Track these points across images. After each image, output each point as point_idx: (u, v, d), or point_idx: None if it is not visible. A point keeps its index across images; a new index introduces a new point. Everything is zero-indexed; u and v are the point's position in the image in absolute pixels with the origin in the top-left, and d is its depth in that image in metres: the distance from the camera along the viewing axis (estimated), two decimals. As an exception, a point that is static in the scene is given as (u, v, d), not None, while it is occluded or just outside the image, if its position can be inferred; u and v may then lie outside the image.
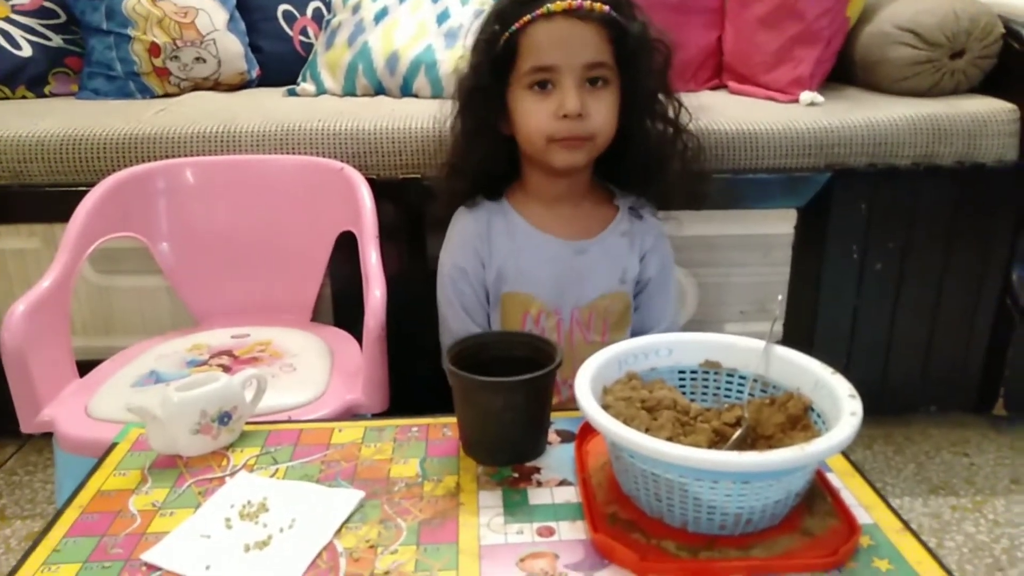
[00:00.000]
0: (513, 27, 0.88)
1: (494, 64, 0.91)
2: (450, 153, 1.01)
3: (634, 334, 1.03)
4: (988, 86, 1.42)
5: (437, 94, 1.51)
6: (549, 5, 0.86)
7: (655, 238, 1.02)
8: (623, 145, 0.95)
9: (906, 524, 0.62)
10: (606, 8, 0.87)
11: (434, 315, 1.00)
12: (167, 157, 1.26)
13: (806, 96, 1.40)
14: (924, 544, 0.60)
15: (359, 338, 1.02)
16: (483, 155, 0.96)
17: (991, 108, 1.33)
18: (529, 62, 0.88)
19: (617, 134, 0.93)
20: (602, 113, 0.90)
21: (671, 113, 0.96)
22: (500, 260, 0.98)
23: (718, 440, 0.67)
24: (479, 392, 0.69)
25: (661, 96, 0.95)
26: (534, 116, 0.90)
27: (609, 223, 1.00)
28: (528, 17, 0.87)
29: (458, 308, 1.00)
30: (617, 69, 0.90)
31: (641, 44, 0.90)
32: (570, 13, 0.86)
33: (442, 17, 1.56)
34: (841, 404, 0.60)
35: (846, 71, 1.53)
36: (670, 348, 0.73)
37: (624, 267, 1.00)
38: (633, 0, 0.91)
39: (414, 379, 1.08)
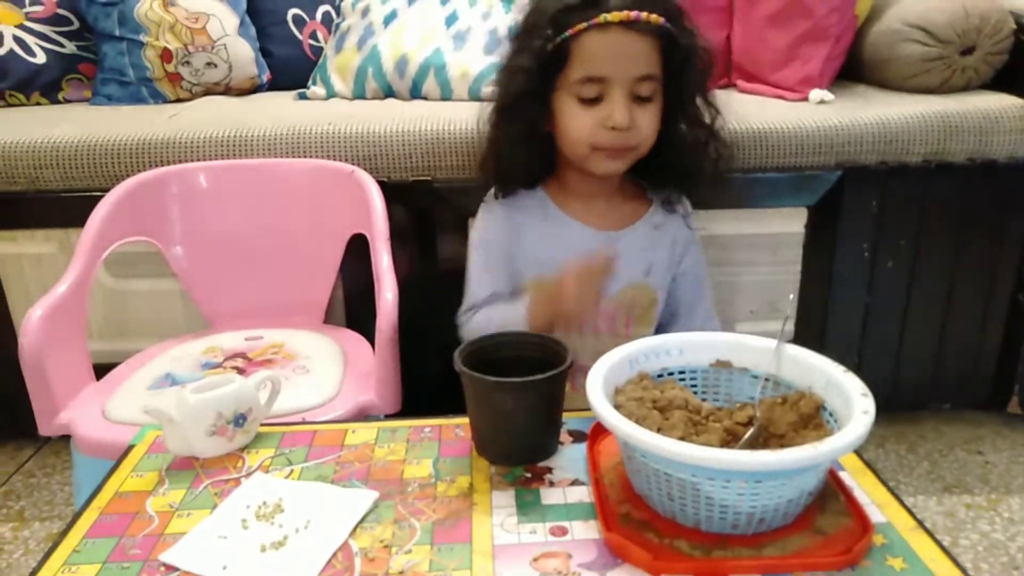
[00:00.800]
0: (566, 34, 0.87)
1: (543, 69, 0.90)
2: (490, 150, 0.99)
3: (664, 321, 1.04)
4: (999, 82, 1.41)
5: (446, 96, 1.52)
6: (606, 15, 0.84)
7: (689, 231, 1.03)
8: (658, 147, 0.94)
9: (920, 522, 0.62)
10: (661, 20, 0.86)
11: (446, 316, 1.01)
12: (180, 162, 1.27)
13: (815, 94, 1.40)
14: (938, 542, 0.59)
15: (371, 340, 1.03)
16: (527, 157, 0.96)
17: (1002, 104, 1.33)
18: (580, 71, 0.87)
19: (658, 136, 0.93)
20: (647, 124, 0.90)
21: (707, 118, 0.96)
22: (532, 244, 0.98)
23: (730, 440, 0.67)
24: (491, 393, 0.69)
25: (699, 101, 0.95)
26: (579, 124, 0.89)
27: (642, 215, 1.01)
28: (584, 25, 0.86)
29: (482, 270, 1.00)
30: (663, 79, 0.90)
31: (689, 55, 0.90)
32: (626, 25, 0.85)
33: (451, 20, 1.57)
34: (853, 402, 0.60)
35: (856, 69, 1.53)
36: (681, 348, 0.73)
37: (651, 260, 1.00)
38: (684, 8, 0.90)
39: (426, 380, 1.09)
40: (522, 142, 0.95)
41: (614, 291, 0.99)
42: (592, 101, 0.88)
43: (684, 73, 0.90)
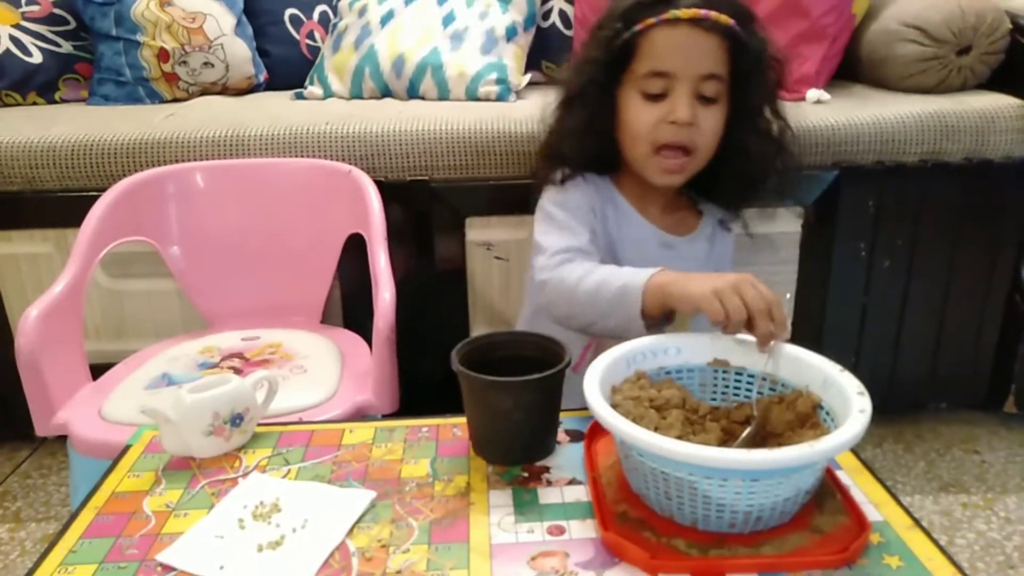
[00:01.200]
0: (636, 28, 0.87)
1: (611, 62, 0.90)
2: (553, 139, 0.98)
3: None
4: (995, 82, 1.41)
5: (443, 96, 1.52)
6: (675, 11, 0.85)
7: (730, 251, 1.04)
8: (720, 155, 0.93)
9: (916, 521, 0.62)
10: (731, 21, 0.86)
11: (442, 315, 1.01)
12: (177, 161, 1.27)
13: (812, 94, 1.40)
14: (934, 541, 0.60)
15: (368, 339, 1.03)
16: (590, 149, 0.95)
17: (999, 104, 1.33)
18: (646, 65, 0.88)
19: (718, 145, 0.92)
20: (709, 126, 0.89)
21: (775, 131, 0.94)
22: (603, 228, 0.96)
23: (727, 439, 0.67)
24: (488, 392, 0.69)
25: (767, 113, 0.94)
26: (642, 119, 0.89)
27: (696, 227, 1.00)
28: (653, 20, 0.86)
29: (561, 226, 0.92)
30: (729, 83, 0.89)
31: (758, 60, 0.89)
32: (695, 22, 0.85)
33: (448, 19, 1.57)
34: (850, 401, 0.61)
35: (852, 68, 1.53)
36: (678, 347, 0.73)
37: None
38: (756, 15, 0.90)
39: (423, 380, 1.09)
40: (585, 134, 0.94)
41: None
42: (656, 97, 0.88)
43: (751, 79, 0.89)
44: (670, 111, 0.87)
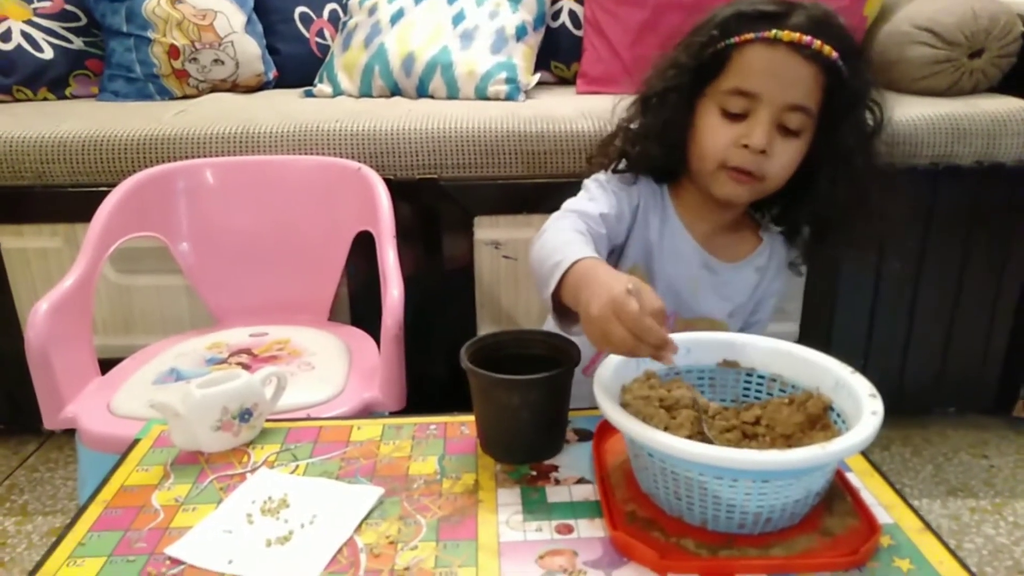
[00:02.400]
0: (732, 40, 0.82)
1: (698, 70, 0.85)
2: (619, 136, 0.94)
3: None
4: (1007, 85, 1.41)
5: (453, 95, 1.52)
6: (778, 31, 0.79)
7: (781, 287, 0.98)
8: (799, 192, 0.88)
9: (927, 524, 0.61)
10: (834, 54, 0.80)
11: (450, 313, 1.00)
12: (186, 158, 1.28)
13: (823, 96, 1.39)
14: (945, 544, 0.59)
15: (376, 337, 1.03)
16: (655, 154, 0.91)
17: (1010, 107, 1.32)
18: (733, 81, 0.82)
19: (798, 180, 0.86)
20: (784, 160, 0.83)
21: (864, 179, 0.86)
22: (644, 233, 0.92)
23: (737, 439, 0.67)
24: (497, 390, 0.69)
25: (858, 160, 0.86)
26: (716, 136, 0.84)
27: (749, 254, 0.95)
28: (751, 36, 0.81)
29: (590, 198, 0.89)
30: (818, 118, 0.83)
31: (855, 102, 0.84)
32: (795, 47, 0.79)
33: (458, 19, 1.57)
34: (862, 403, 0.60)
35: (863, 70, 1.52)
36: (688, 347, 0.72)
37: (741, 302, 0.95)
38: (866, 55, 0.85)
39: (430, 377, 1.09)
40: (656, 139, 0.90)
41: (690, 317, 0.94)
42: (735, 117, 0.83)
43: (845, 120, 0.83)
44: (745, 134, 0.82)
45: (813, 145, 0.85)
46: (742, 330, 0.97)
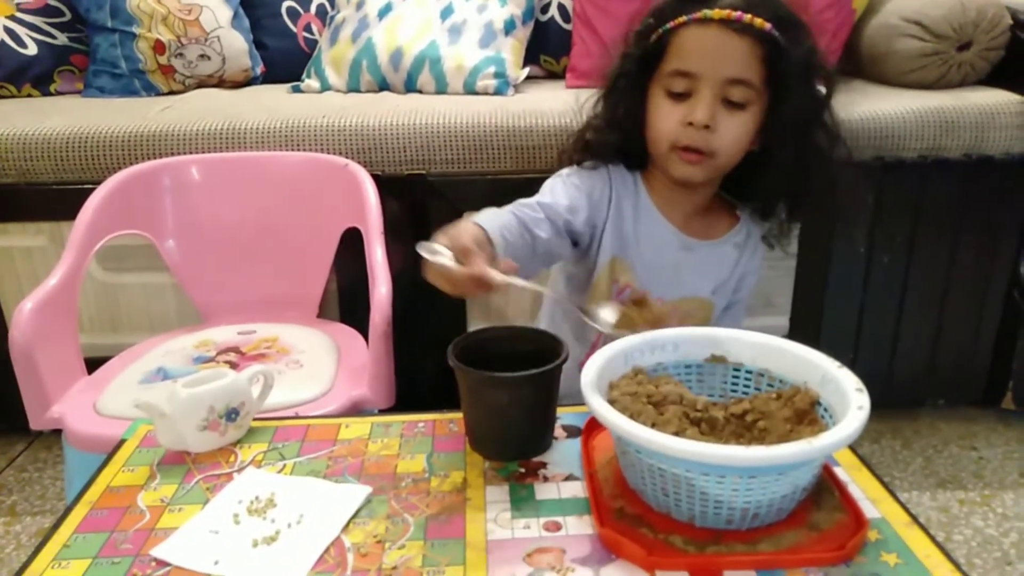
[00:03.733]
0: (667, 25, 0.86)
1: (642, 58, 0.89)
2: (585, 131, 0.97)
3: None
4: (995, 78, 1.41)
5: (441, 90, 1.51)
6: (707, 11, 0.83)
7: (759, 262, 1.01)
8: (761, 165, 0.90)
9: (914, 518, 0.62)
10: (767, 25, 0.82)
11: (439, 310, 1.00)
12: (172, 154, 1.27)
13: (812, 89, 1.39)
14: (932, 537, 0.59)
15: (365, 334, 1.02)
16: (617, 145, 0.93)
17: (999, 100, 1.33)
18: (673, 63, 0.86)
19: (757, 155, 0.90)
20: (731, 133, 0.86)
21: (822, 145, 0.90)
22: (620, 223, 0.94)
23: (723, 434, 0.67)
24: (485, 388, 0.69)
25: (813, 126, 0.89)
26: (663, 119, 0.88)
27: (727, 231, 0.97)
28: (684, 18, 0.84)
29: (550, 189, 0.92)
30: (766, 91, 0.86)
31: (800, 70, 0.85)
32: (726, 23, 0.82)
33: (446, 13, 1.56)
34: (848, 398, 0.60)
35: (852, 64, 1.53)
36: (676, 343, 0.72)
37: (723, 279, 0.98)
38: (805, 22, 0.86)
39: (420, 375, 1.09)
40: (612, 128, 0.93)
41: (675, 298, 0.97)
42: (680, 96, 0.86)
43: (792, 88, 0.85)
44: (689, 113, 0.85)
45: (768, 117, 0.87)
46: (726, 308, 1.00)
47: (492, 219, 0.79)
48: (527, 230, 0.84)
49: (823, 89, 0.89)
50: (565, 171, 0.96)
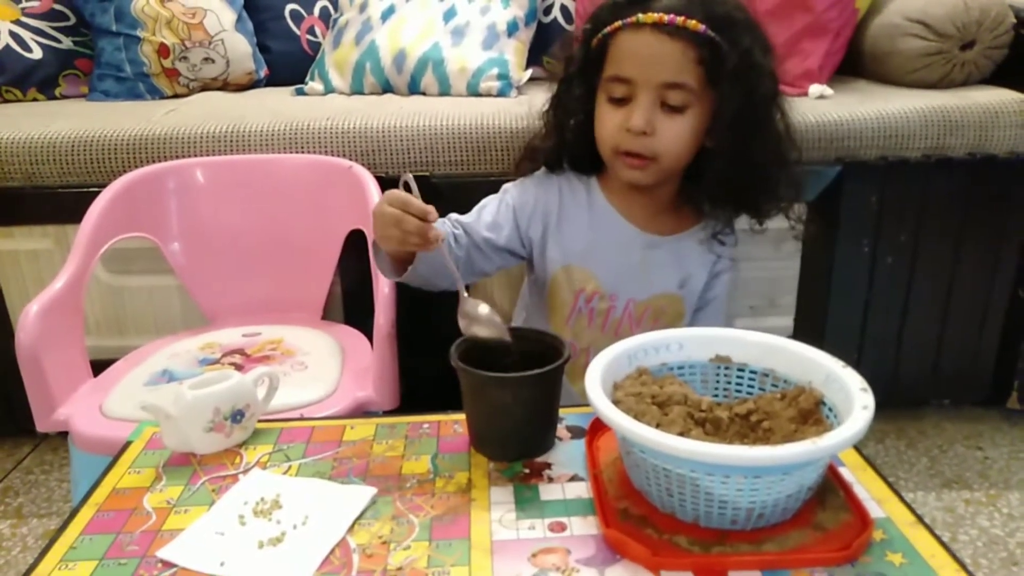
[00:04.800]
0: (604, 31, 0.86)
1: (584, 63, 0.89)
2: (536, 137, 0.99)
3: None
4: (999, 77, 1.41)
5: (444, 92, 1.51)
6: (640, 15, 0.83)
7: (730, 261, 1.01)
8: (711, 166, 0.90)
9: (919, 518, 0.61)
10: (701, 27, 0.82)
11: (443, 311, 0.99)
12: (177, 157, 1.27)
13: (815, 89, 1.40)
14: (938, 537, 0.59)
15: (369, 336, 1.03)
16: (568, 149, 0.95)
17: (1002, 99, 1.32)
18: (611, 69, 0.86)
19: (707, 154, 0.89)
20: (670, 136, 0.86)
21: (769, 141, 0.89)
22: (571, 230, 0.95)
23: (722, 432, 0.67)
24: (487, 388, 0.69)
25: (757, 124, 0.88)
26: (605, 125, 0.88)
27: (690, 226, 0.98)
28: (618, 24, 0.85)
29: (484, 208, 0.97)
30: (709, 90, 0.85)
31: (740, 69, 0.84)
32: (659, 27, 0.82)
33: (449, 15, 1.56)
34: (853, 398, 0.60)
35: (855, 63, 1.52)
36: (680, 343, 0.72)
37: (689, 273, 0.97)
38: (744, 21, 0.85)
39: (424, 376, 1.09)
40: (556, 133, 0.94)
41: (645, 296, 0.97)
42: (620, 102, 0.87)
43: (731, 88, 0.84)
44: (627, 118, 0.86)
45: (713, 119, 0.87)
46: (699, 308, 1.01)
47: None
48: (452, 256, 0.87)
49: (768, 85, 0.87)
50: (508, 185, 0.98)
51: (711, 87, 0.85)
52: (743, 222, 0.99)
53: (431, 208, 0.74)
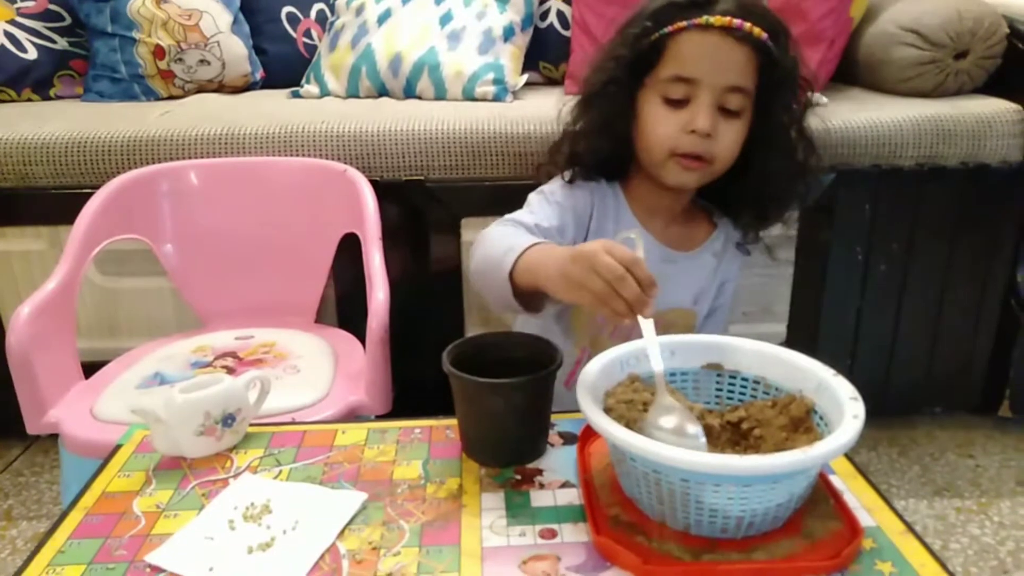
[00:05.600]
0: (665, 29, 0.85)
1: (635, 61, 0.87)
2: (566, 138, 0.96)
3: None
4: (992, 87, 1.41)
5: (440, 96, 1.51)
6: (709, 17, 0.82)
7: (738, 268, 1.01)
8: (739, 173, 0.91)
9: (909, 526, 0.62)
10: (764, 35, 0.83)
11: (437, 316, 1.00)
12: (171, 159, 1.27)
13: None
14: (927, 546, 0.59)
15: (362, 340, 1.02)
16: (603, 151, 0.92)
17: (995, 109, 1.33)
18: (671, 69, 0.85)
19: (736, 162, 0.90)
20: (728, 141, 0.86)
21: (800, 153, 0.91)
22: (600, 236, 0.93)
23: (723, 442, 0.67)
24: (479, 393, 0.69)
25: (792, 134, 0.90)
26: (661, 126, 0.86)
27: (704, 240, 0.98)
28: (684, 23, 0.83)
29: (531, 210, 0.91)
30: (754, 98, 0.87)
31: (787, 79, 0.87)
32: (727, 31, 0.82)
33: (445, 19, 1.56)
34: (844, 406, 0.60)
35: (850, 72, 1.53)
36: (672, 350, 0.73)
37: (703, 288, 0.98)
38: (788, 32, 0.87)
39: (417, 381, 1.08)
40: (601, 134, 0.91)
41: (659, 310, 0.96)
42: (677, 103, 0.85)
43: (778, 98, 0.87)
44: (690, 120, 0.84)
45: (751, 126, 0.88)
46: (707, 316, 1.00)
47: (536, 238, 0.78)
48: None
49: (802, 97, 0.90)
50: (547, 187, 0.95)
51: (757, 96, 0.87)
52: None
53: (656, 281, 0.64)
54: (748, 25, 0.82)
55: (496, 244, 0.80)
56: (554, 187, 0.94)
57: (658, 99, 0.87)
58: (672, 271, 0.95)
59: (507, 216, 0.89)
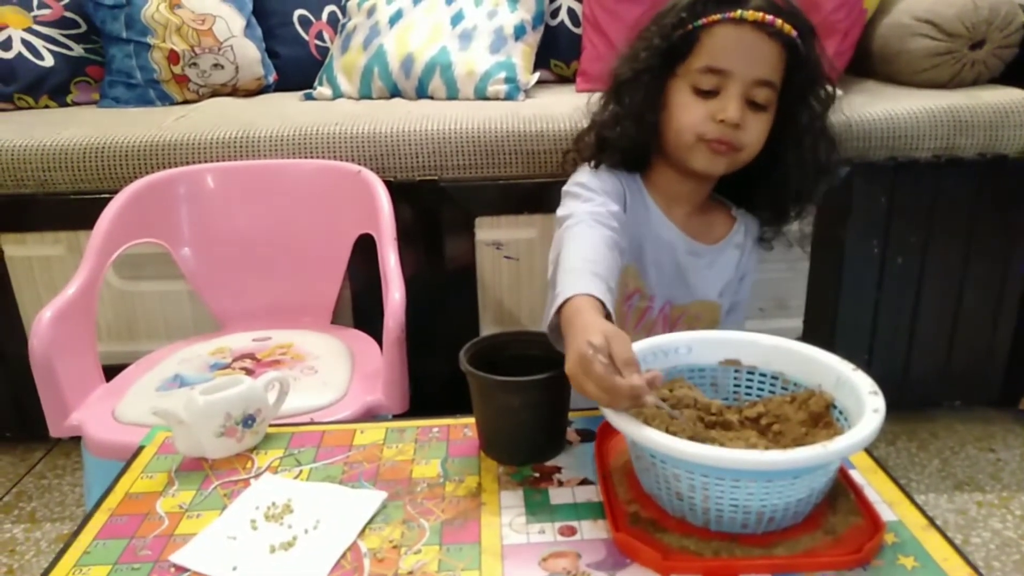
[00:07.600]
0: (700, 21, 0.87)
1: (668, 50, 0.90)
2: (594, 127, 0.97)
3: None
4: (1009, 76, 1.40)
5: (452, 95, 1.52)
6: (743, 12, 0.85)
7: (756, 263, 1.03)
8: (759, 169, 0.92)
9: (931, 520, 0.61)
10: (794, 33, 0.86)
11: (452, 315, 1.00)
12: (187, 163, 1.28)
13: (824, 90, 1.39)
14: (950, 540, 0.59)
15: (379, 340, 1.03)
16: (631, 139, 0.93)
17: (1012, 99, 1.32)
18: (703, 60, 0.87)
19: (757, 158, 0.91)
20: (756, 132, 0.89)
21: (821, 152, 0.93)
22: (633, 229, 0.94)
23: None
24: (496, 392, 0.69)
25: (814, 131, 0.92)
26: (690, 112, 0.88)
27: (726, 234, 0.99)
28: (718, 16, 0.86)
29: (584, 199, 0.89)
30: (779, 94, 0.89)
31: (811, 76, 0.89)
32: (759, 25, 0.85)
33: (456, 19, 1.57)
34: (864, 401, 0.60)
35: (864, 64, 1.52)
36: (689, 346, 0.72)
37: (727, 280, 1.00)
38: (814, 32, 0.89)
39: (433, 380, 1.09)
40: (631, 120, 0.93)
41: (686, 301, 0.98)
42: (707, 94, 0.88)
43: (802, 94, 0.90)
44: (720, 109, 0.86)
45: (775, 121, 0.90)
46: (728, 312, 1.01)
47: (600, 276, 0.74)
48: (617, 251, 0.83)
49: (824, 94, 0.92)
50: (585, 176, 0.94)
51: (784, 92, 0.89)
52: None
53: (642, 389, 0.59)
54: (779, 22, 0.85)
55: (556, 276, 0.76)
56: (585, 178, 0.94)
57: (688, 89, 0.89)
58: (698, 264, 0.97)
59: (584, 210, 0.86)
